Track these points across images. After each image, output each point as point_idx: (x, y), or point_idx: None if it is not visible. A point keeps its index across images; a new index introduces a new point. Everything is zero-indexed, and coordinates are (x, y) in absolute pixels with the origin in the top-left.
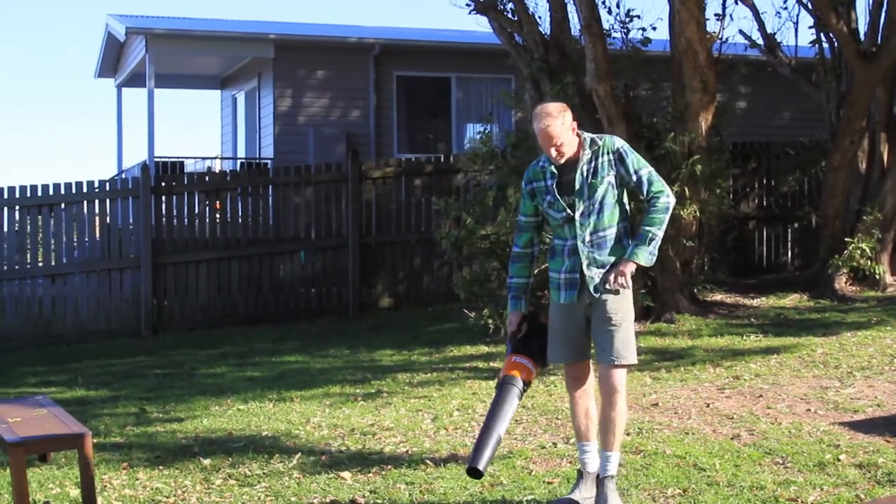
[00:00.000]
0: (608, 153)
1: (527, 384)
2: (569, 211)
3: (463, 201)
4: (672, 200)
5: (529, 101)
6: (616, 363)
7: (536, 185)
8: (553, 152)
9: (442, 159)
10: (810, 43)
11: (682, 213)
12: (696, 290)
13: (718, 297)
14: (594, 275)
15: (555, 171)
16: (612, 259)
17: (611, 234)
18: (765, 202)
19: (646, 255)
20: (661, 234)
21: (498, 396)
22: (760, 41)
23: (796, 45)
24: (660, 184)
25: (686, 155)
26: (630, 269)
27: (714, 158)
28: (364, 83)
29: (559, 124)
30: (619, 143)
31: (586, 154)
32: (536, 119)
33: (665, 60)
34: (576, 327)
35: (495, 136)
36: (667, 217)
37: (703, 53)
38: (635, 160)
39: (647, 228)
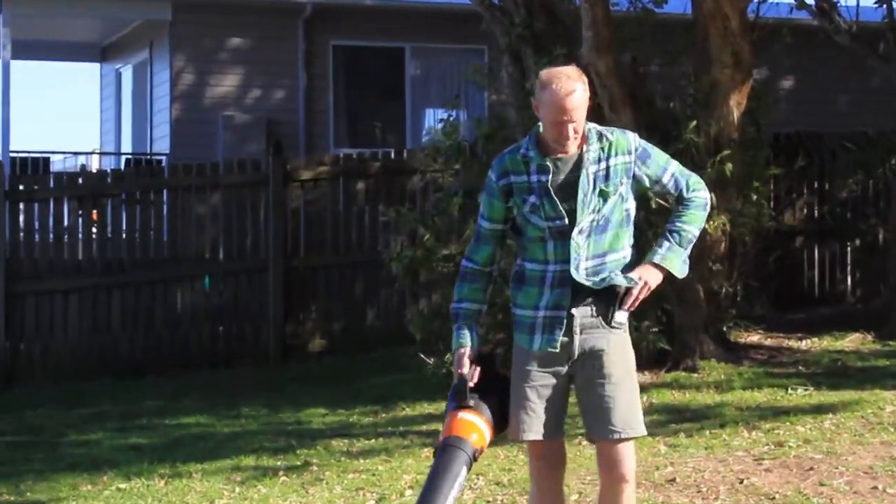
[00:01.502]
0: (622, 153)
1: (478, 452)
2: (563, 221)
3: (420, 211)
4: (710, 198)
5: (507, 80)
6: (622, 437)
7: (515, 181)
8: (569, 132)
9: (393, 156)
10: (876, 3)
11: (707, 226)
12: (725, 329)
13: (755, 337)
14: (596, 306)
15: (547, 164)
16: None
17: (613, 262)
18: (816, 212)
19: (679, 262)
20: (696, 236)
21: (438, 466)
22: (810, 0)
23: (857, 6)
24: (696, 178)
25: (713, 150)
26: (656, 280)
27: (749, 155)
28: (291, 55)
29: (582, 91)
30: (635, 140)
31: (592, 150)
32: (550, 83)
33: (686, 26)
34: (553, 387)
35: (463, 125)
36: (705, 217)
37: (735, 17)
38: (658, 156)
39: (684, 227)
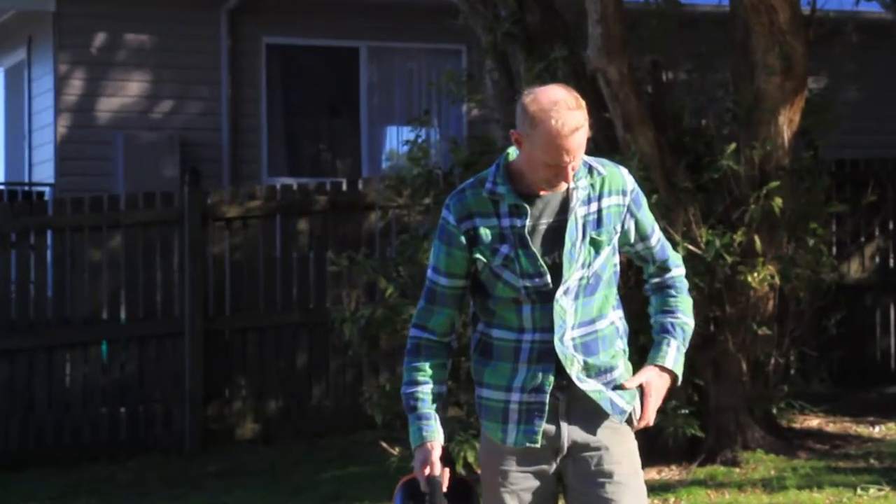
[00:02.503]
0: (616, 193)
1: None
2: (545, 279)
3: (380, 258)
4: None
5: (492, 89)
6: None
7: (482, 225)
8: (568, 175)
9: (344, 187)
10: None
11: (749, 278)
12: (775, 411)
13: (814, 421)
14: (594, 387)
15: (523, 204)
16: (616, 364)
17: (604, 330)
18: (892, 261)
19: (681, 363)
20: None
21: None
22: None
23: None
24: (675, 253)
25: (757, 181)
26: (665, 389)
27: (804, 187)
28: (212, 57)
29: (586, 124)
30: (629, 178)
31: (581, 187)
32: (547, 118)
33: (720, 22)
34: (537, 492)
35: (434, 147)
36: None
37: (784, 9)
38: (647, 211)
39: (684, 320)
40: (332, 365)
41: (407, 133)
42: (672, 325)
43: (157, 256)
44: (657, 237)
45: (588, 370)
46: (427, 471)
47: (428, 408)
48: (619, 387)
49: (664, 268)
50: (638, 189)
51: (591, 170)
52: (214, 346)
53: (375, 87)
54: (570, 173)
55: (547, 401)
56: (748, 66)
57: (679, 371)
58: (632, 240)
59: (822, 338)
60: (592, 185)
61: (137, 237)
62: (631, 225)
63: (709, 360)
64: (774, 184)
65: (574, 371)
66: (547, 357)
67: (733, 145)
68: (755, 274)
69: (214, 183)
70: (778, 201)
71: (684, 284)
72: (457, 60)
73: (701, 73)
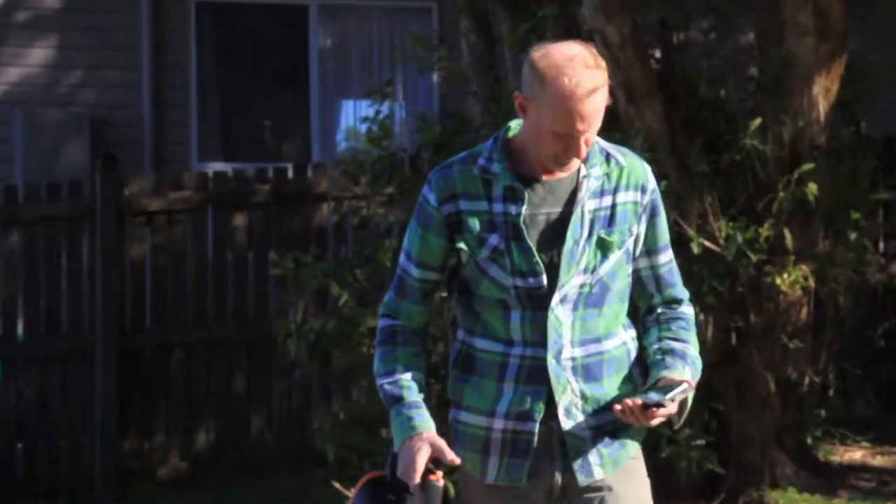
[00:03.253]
0: (634, 188)
1: None
2: (540, 280)
3: (334, 260)
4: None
5: (469, 55)
6: None
7: (468, 208)
8: (580, 149)
9: (291, 174)
10: None
11: (778, 280)
12: (810, 441)
13: (857, 453)
14: (584, 433)
15: (521, 188)
16: (616, 394)
17: (612, 351)
18: None
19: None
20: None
21: None
22: None
23: None
24: (685, 289)
25: (787, 163)
26: (683, 395)
27: (844, 170)
28: (129, 18)
29: (606, 87)
30: (651, 175)
31: (594, 176)
32: (560, 74)
33: None
34: None
35: (399, 126)
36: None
37: None
38: (664, 222)
39: (692, 352)
40: (275, 389)
41: (366, 108)
42: (683, 352)
43: (62, 259)
44: (668, 257)
45: (585, 402)
46: (420, 466)
47: (416, 396)
48: (614, 431)
49: (672, 299)
50: (658, 192)
51: (608, 157)
52: (132, 367)
53: (328, 53)
54: (584, 147)
55: (536, 430)
56: (776, 26)
57: (695, 378)
58: (636, 252)
59: (867, 351)
60: (608, 176)
61: (39, 236)
62: (641, 231)
63: (730, 380)
64: (808, 166)
65: (564, 401)
66: (538, 377)
67: (758, 121)
68: (785, 275)
69: (133, 170)
70: (812, 187)
71: (691, 316)
72: (426, 20)
73: (719, 33)
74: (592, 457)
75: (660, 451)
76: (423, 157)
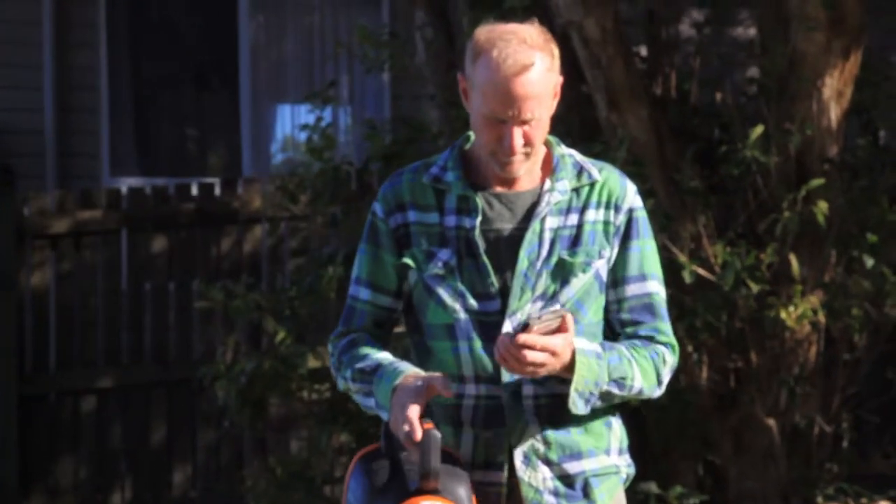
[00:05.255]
0: (608, 207)
1: None
2: (495, 304)
3: (269, 289)
4: (673, 364)
5: (425, 52)
6: None
7: (417, 220)
8: (514, 141)
9: (218, 190)
10: None
11: (783, 314)
12: (820, 499)
13: None
14: (546, 484)
15: (474, 196)
16: (593, 448)
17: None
18: None
19: (588, 380)
20: (638, 387)
21: None
22: None
23: None
24: (671, 331)
25: (793, 178)
26: (556, 317)
27: (859, 186)
28: (30, 7)
29: (545, 69)
30: (633, 195)
31: (559, 190)
32: (490, 48)
33: None
34: None
35: (344, 134)
36: (656, 388)
37: None
38: (648, 251)
39: (632, 351)
40: (200, 440)
41: (305, 114)
42: (618, 345)
43: None
44: (643, 290)
45: (549, 448)
46: (414, 416)
47: (395, 363)
48: (585, 485)
49: (650, 336)
50: (644, 215)
51: (580, 171)
52: (34, 415)
53: (261, 50)
54: (517, 139)
55: (505, 481)
56: (781, 19)
57: (582, 365)
58: (608, 281)
59: (886, 397)
60: (576, 192)
61: None
62: (612, 255)
63: (727, 428)
64: (817, 182)
65: (522, 448)
66: (498, 419)
67: (760, 129)
68: (791, 308)
69: (35, 185)
70: (822, 206)
71: (670, 362)
72: (375, 12)
73: (716, 28)
74: None
75: None
76: (372, 171)
